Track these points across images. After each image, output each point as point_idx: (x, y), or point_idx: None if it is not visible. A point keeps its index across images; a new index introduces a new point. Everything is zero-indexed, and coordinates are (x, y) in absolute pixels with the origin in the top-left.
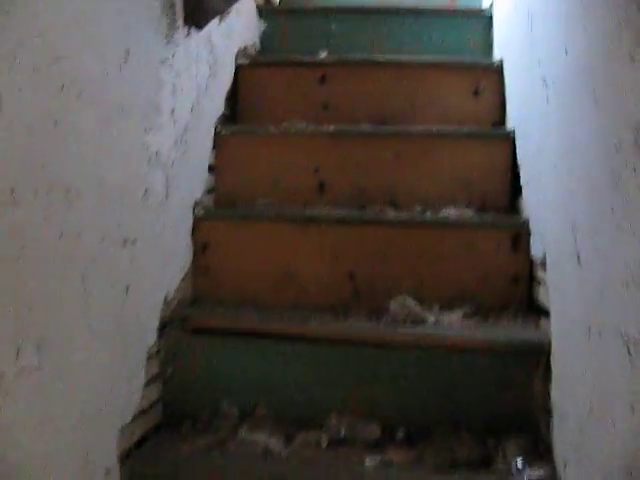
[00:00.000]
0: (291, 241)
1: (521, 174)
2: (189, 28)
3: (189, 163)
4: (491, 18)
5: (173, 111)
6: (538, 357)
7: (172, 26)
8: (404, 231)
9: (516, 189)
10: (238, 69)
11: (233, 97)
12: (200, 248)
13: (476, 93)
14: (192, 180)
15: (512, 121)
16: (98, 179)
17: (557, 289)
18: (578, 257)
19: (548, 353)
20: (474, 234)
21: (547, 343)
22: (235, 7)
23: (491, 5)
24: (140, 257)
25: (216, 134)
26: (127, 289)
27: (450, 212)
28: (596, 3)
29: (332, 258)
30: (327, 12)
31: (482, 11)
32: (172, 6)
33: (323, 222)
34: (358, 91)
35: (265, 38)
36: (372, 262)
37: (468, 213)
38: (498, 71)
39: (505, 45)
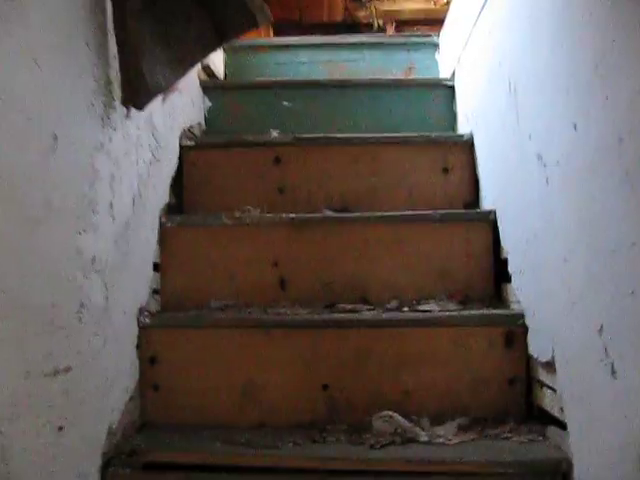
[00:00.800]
0: (253, 349)
1: (509, 261)
2: (128, 109)
3: (132, 264)
4: (453, 89)
5: (112, 206)
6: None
7: (109, 106)
8: (382, 332)
9: (499, 274)
10: (182, 152)
11: (178, 183)
12: (147, 362)
13: (445, 170)
14: (136, 283)
15: (490, 201)
16: (20, 300)
17: (578, 400)
18: (612, 367)
19: (566, 474)
20: (462, 332)
21: (564, 461)
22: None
23: (452, 75)
24: (76, 387)
25: (161, 227)
26: (60, 430)
27: (431, 307)
28: (622, 67)
29: (302, 368)
30: (277, 87)
31: (442, 82)
32: (108, 83)
33: (288, 326)
34: (316, 172)
35: (211, 117)
36: (349, 371)
37: (451, 307)
38: (468, 146)
39: (476, 118)
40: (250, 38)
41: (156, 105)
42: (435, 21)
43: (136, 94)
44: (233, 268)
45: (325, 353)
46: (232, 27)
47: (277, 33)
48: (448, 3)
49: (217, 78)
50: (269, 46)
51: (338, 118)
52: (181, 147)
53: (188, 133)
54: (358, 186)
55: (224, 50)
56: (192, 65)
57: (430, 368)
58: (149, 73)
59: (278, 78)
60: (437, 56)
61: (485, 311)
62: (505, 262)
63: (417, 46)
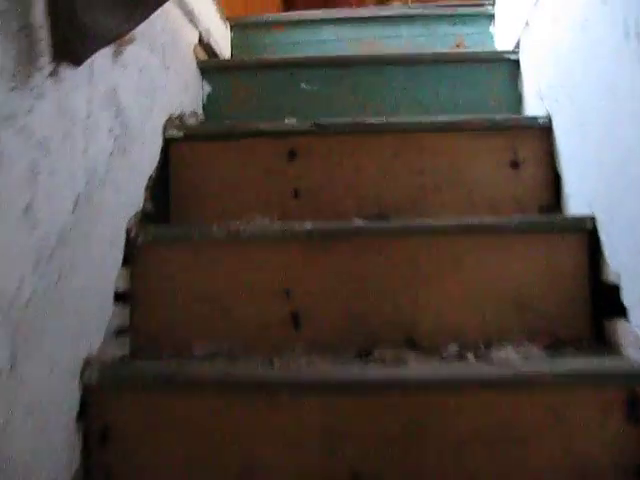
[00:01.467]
0: (253, 420)
1: (622, 287)
2: (56, 65)
3: (69, 297)
4: (517, 64)
5: (29, 209)
6: None
7: (27, 62)
8: (440, 398)
9: (600, 305)
10: (169, 145)
11: (162, 185)
12: (97, 439)
13: (515, 165)
14: (79, 324)
15: (581, 203)
16: None
17: None
18: None
19: None
20: (558, 395)
21: None
22: (163, 59)
23: (516, 46)
24: None
25: (130, 242)
26: None
27: (507, 353)
28: None
29: (322, 447)
30: (293, 66)
31: (503, 55)
32: (28, 29)
33: (306, 388)
34: (343, 170)
35: (211, 104)
36: (391, 454)
37: (535, 353)
38: (544, 132)
39: (557, 93)
40: (263, 13)
41: (120, 74)
42: None
43: (69, 43)
44: (228, 299)
45: (356, 427)
46: None
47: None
48: None
49: (219, 57)
50: (285, 22)
51: (371, 104)
52: (166, 138)
53: (177, 121)
54: (400, 187)
55: (231, 27)
56: (153, 9)
57: (510, 451)
58: (87, 11)
59: (295, 55)
60: (492, 29)
61: (595, 364)
62: (611, 289)
63: (467, 18)
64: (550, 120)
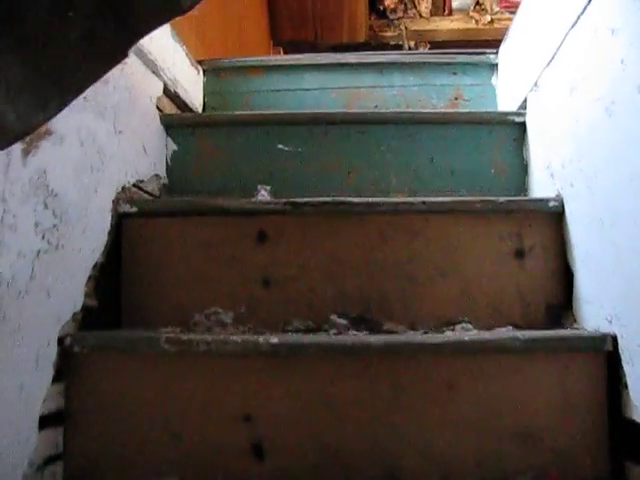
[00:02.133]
0: None
1: None
2: None
3: None
4: (523, 127)
5: None
6: None
7: None
8: None
9: (621, 442)
10: (120, 222)
11: (110, 270)
12: None
13: (520, 254)
14: None
15: (600, 310)
16: None
17: None
18: None
19: None
20: None
21: None
22: (115, 122)
23: (522, 106)
24: None
25: (64, 351)
26: None
27: None
28: None
29: None
30: (271, 124)
31: (507, 117)
32: None
33: None
34: (321, 257)
35: (176, 166)
36: None
37: None
38: (554, 218)
39: (572, 173)
40: (241, 56)
41: (55, 154)
42: (477, 44)
43: None
44: (180, 423)
45: None
46: (143, 15)
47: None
48: (492, 21)
49: (192, 110)
50: (264, 67)
51: (357, 169)
52: (118, 215)
53: (133, 192)
54: (386, 278)
55: (204, 72)
56: (78, 91)
57: None
58: None
59: (272, 111)
60: (494, 80)
61: None
62: (634, 426)
63: (466, 67)
64: (562, 205)
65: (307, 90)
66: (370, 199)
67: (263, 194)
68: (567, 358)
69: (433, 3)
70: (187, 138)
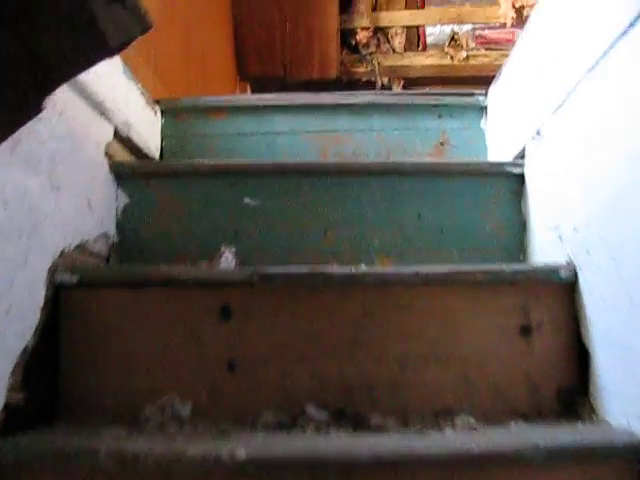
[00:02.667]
0: None
1: None
2: None
3: None
4: (521, 178)
5: None
6: None
7: None
8: None
9: None
10: (59, 293)
11: (45, 353)
12: None
13: (526, 331)
14: None
15: (623, 411)
16: None
17: None
18: None
19: None
20: None
21: None
22: (51, 176)
23: (519, 156)
24: None
25: None
26: None
27: None
28: None
29: None
30: (236, 175)
31: (503, 168)
32: None
33: None
34: (295, 336)
35: (128, 220)
36: None
37: None
38: (565, 289)
39: (588, 238)
40: (205, 94)
41: None
42: (452, 81)
43: None
44: None
45: None
46: (63, 59)
47: (257, 93)
48: (468, 58)
49: (147, 156)
50: (229, 107)
51: (335, 228)
52: (55, 286)
53: (74, 257)
54: (372, 361)
55: (162, 112)
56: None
57: None
58: None
59: (238, 160)
60: (483, 124)
61: None
62: None
63: (453, 110)
64: (575, 274)
65: (277, 134)
66: (353, 269)
67: (227, 257)
68: (595, 470)
69: (407, 38)
70: (141, 190)
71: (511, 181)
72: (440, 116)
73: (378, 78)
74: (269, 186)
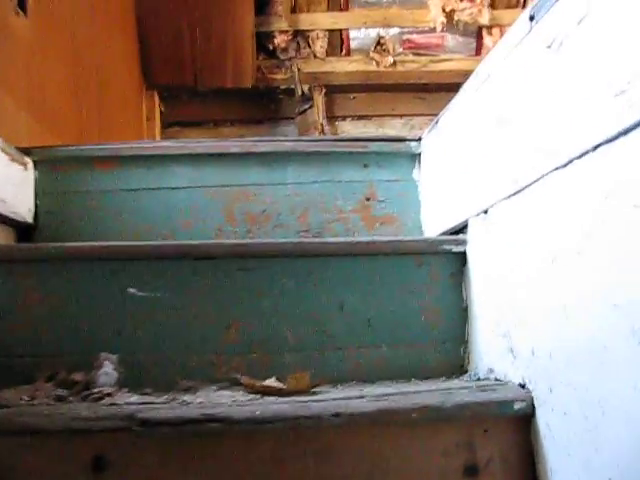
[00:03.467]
0: None
1: None
2: None
3: None
4: (463, 258)
5: None
6: None
7: None
8: None
9: None
10: None
11: None
12: None
13: (472, 472)
14: None
15: None
16: None
17: None
18: None
19: None
20: None
21: None
22: None
23: (461, 229)
24: None
25: None
26: None
27: None
28: None
29: None
30: (120, 257)
31: (442, 246)
32: None
33: None
34: None
35: None
36: None
37: None
38: (522, 422)
39: (551, 380)
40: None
41: None
42: (378, 88)
43: None
44: None
45: None
46: None
47: (166, 103)
48: (395, 64)
49: (17, 222)
50: (118, 157)
51: (238, 323)
52: None
53: None
54: None
55: (35, 164)
56: None
57: None
58: None
59: (117, 243)
60: (416, 174)
61: None
62: None
63: (381, 158)
64: (532, 405)
65: (175, 189)
66: (257, 412)
67: (107, 368)
68: None
69: (329, 42)
70: (1, 278)
71: (451, 261)
72: (366, 165)
73: (298, 86)
74: (159, 273)
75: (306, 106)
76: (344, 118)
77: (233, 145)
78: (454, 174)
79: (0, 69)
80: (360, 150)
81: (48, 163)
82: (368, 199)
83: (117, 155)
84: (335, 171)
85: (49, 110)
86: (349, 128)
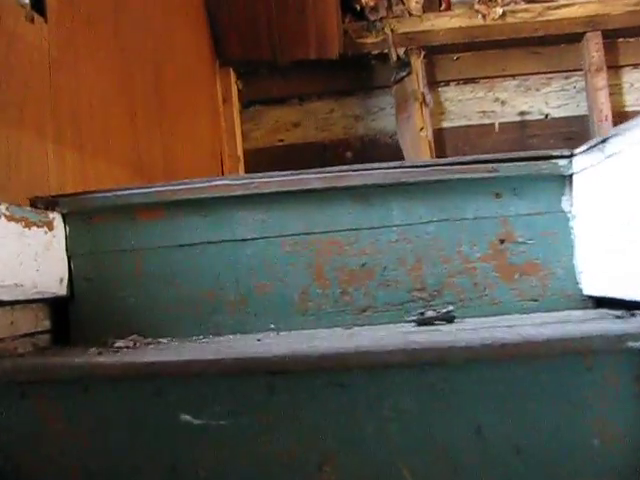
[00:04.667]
0: None
1: None
2: None
3: None
4: None
5: None
6: None
7: None
8: None
9: None
10: None
11: None
12: None
13: None
14: None
15: None
16: None
17: None
18: None
19: None
20: None
21: None
22: None
23: None
24: None
25: None
26: None
27: None
28: None
29: None
30: (165, 376)
31: (625, 344)
32: None
33: None
34: None
35: None
36: None
37: None
38: None
39: None
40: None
41: None
42: (486, 46)
43: None
44: None
45: None
46: None
47: (244, 80)
48: (505, 15)
49: (40, 301)
50: (164, 203)
51: (334, 459)
52: None
53: None
54: None
55: (64, 217)
56: None
57: None
58: None
59: (159, 357)
60: (567, 205)
61: None
62: None
63: (518, 183)
64: None
65: (242, 241)
66: None
67: None
68: None
69: None
70: (14, 405)
71: (635, 360)
72: (498, 195)
73: (392, 50)
74: (221, 394)
75: (403, 73)
76: (447, 83)
77: (315, 178)
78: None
79: (7, 101)
80: (488, 175)
81: (81, 215)
82: (502, 241)
83: (162, 201)
84: (456, 205)
85: (88, 131)
86: (454, 94)
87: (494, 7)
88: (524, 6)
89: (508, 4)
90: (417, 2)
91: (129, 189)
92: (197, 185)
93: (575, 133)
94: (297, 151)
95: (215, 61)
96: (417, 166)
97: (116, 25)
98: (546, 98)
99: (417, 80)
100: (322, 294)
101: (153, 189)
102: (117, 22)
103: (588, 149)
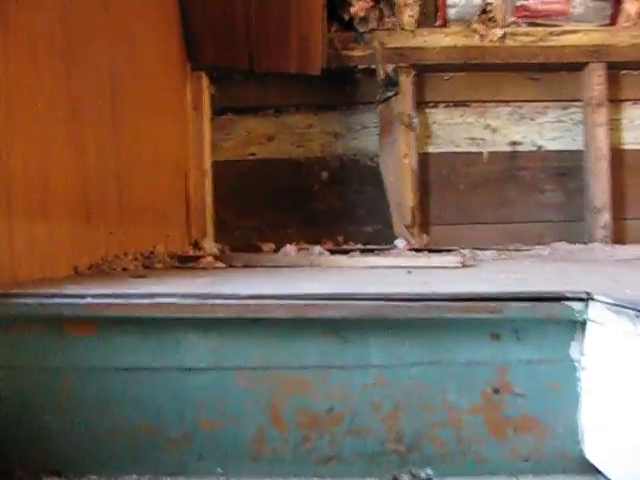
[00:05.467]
0: None
1: None
2: None
3: None
4: None
5: None
6: None
7: None
8: None
9: None
10: None
11: None
12: None
13: None
14: None
15: None
16: None
17: None
18: None
19: None
20: None
21: None
22: None
23: None
24: None
25: None
26: None
27: None
28: None
29: None
30: None
31: None
32: None
33: None
34: None
35: None
36: None
37: None
38: None
39: None
40: None
41: None
42: (478, 68)
43: None
44: None
45: None
46: None
47: (217, 85)
48: (504, 37)
49: None
50: (95, 320)
51: None
52: None
53: None
54: None
55: None
56: None
57: None
58: None
59: None
60: (576, 353)
61: None
62: None
63: (522, 326)
64: None
65: (190, 371)
66: None
67: None
68: None
69: (421, 10)
70: None
71: None
72: (496, 337)
73: (380, 66)
74: None
75: (390, 93)
76: (436, 104)
77: (280, 306)
78: None
79: None
80: (486, 316)
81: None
82: (497, 390)
83: (94, 316)
84: (446, 347)
85: (21, 192)
86: (443, 117)
87: (494, 28)
88: (525, 29)
89: (509, 25)
90: (411, 16)
91: (57, 296)
92: (135, 301)
93: (569, 169)
94: (269, 167)
95: (186, 64)
96: (404, 299)
97: (64, 50)
98: (540, 129)
99: (405, 102)
100: (280, 438)
101: (84, 301)
102: (66, 43)
103: (615, 306)
